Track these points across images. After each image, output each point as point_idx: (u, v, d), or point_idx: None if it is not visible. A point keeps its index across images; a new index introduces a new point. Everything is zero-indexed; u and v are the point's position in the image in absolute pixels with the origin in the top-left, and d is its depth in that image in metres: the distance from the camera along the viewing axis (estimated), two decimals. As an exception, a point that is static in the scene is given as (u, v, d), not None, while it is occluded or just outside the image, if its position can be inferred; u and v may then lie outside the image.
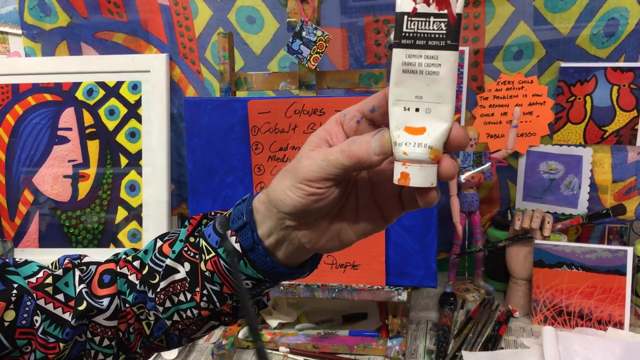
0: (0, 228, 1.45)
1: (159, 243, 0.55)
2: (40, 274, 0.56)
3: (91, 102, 1.43)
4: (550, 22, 1.18)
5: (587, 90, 1.21)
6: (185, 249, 0.52)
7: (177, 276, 0.51)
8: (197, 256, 0.51)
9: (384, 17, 1.23)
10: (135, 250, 0.58)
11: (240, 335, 1.06)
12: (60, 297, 0.54)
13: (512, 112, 1.23)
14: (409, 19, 0.38)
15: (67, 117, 1.43)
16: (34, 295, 0.54)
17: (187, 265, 0.51)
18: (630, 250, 1.05)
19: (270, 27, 1.28)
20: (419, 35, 0.38)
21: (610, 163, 1.24)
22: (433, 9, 0.38)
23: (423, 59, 0.39)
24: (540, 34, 1.19)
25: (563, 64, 1.20)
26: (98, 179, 1.43)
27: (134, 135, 1.42)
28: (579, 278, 1.07)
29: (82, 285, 0.54)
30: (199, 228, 0.53)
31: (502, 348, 1.03)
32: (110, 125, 1.43)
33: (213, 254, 0.49)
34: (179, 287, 0.51)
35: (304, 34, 1.01)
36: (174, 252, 0.52)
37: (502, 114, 1.25)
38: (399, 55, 0.39)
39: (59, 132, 1.44)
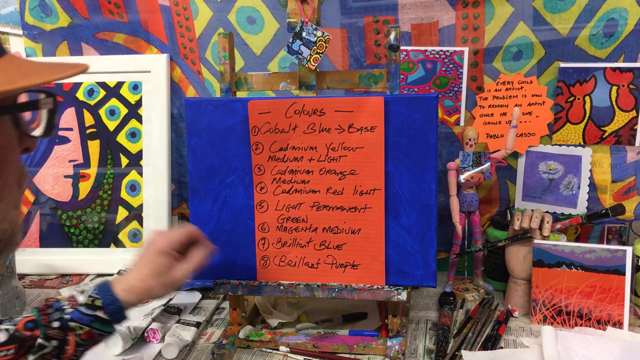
0: (1, 228, 1.45)
1: (11, 328, 0.72)
2: None
3: (92, 102, 1.43)
4: (549, 22, 1.18)
5: (586, 91, 1.22)
6: (49, 331, 0.73)
7: (46, 350, 0.72)
8: (62, 334, 0.74)
9: (384, 18, 1.23)
10: None
11: (241, 334, 1.07)
12: None
13: (512, 113, 1.24)
14: None
15: (68, 117, 1.44)
16: None
17: (55, 342, 0.73)
18: (629, 250, 1.05)
19: (271, 27, 1.29)
20: None
21: (609, 163, 1.24)
22: None
23: None
24: (540, 35, 1.20)
25: (562, 64, 1.21)
26: (99, 179, 1.43)
27: (134, 135, 1.43)
28: (578, 278, 1.08)
29: None
30: (52, 315, 0.75)
31: (502, 347, 1.03)
32: (111, 125, 1.43)
33: (87, 329, 0.75)
34: (47, 357, 0.73)
35: (304, 34, 1.01)
36: (42, 335, 0.72)
37: (502, 114, 1.25)
38: None
39: (60, 132, 1.44)
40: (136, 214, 1.43)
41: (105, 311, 0.77)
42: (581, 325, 1.08)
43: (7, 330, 0.71)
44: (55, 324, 0.74)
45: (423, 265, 0.97)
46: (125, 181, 1.43)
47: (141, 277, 0.82)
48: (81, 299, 0.77)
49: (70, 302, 0.77)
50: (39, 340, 0.72)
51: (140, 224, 1.43)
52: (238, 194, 1.02)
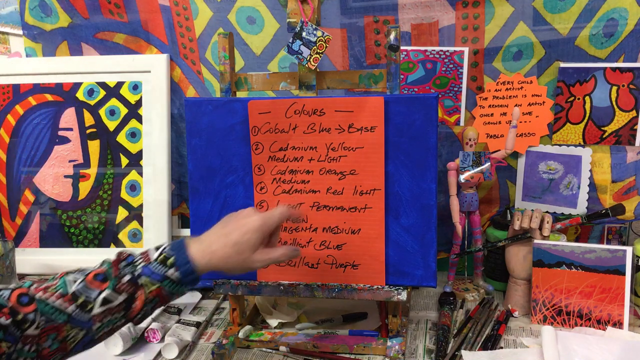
0: (1, 228, 1.46)
1: (79, 278, 0.73)
2: None
3: (92, 102, 1.43)
4: (549, 22, 1.18)
5: (586, 91, 1.22)
6: (119, 284, 0.73)
7: (113, 304, 0.73)
8: (132, 289, 0.74)
9: (384, 18, 1.23)
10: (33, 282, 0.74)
11: (241, 334, 1.07)
12: None
13: (512, 113, 1.24)
14: None
15: (68, 117, 1.44)
16: None
17: (124, 295, 0.73)
18: (629, 250, 1.05)
19: (271, 27, 1.29)
20: None
21: (609, 163, 1.24)
22: None
23: None
24: (540, 35, 1.20)
25: (562, 64, 1.21)
26: (99, 179, 1.43)
27: (134, 135, 1.43)
28: (578, 278, 1.08)
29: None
30: (123, 269, 0.75)
31: (502, 347, 1.03)
32: (111, 125, 1.43)
33: (157, 285, 0.74)
34: (114, 311, 0.73)
35: (304, 34, 1.01)
36: (110, 286, 0.73)
37: (502, 114, 1.25)
38: None
39: (60, 132, 1.44)
40: (136, 214, 1.43)
41: (177, 270, 0.75)
42: (581, 325, 1.08)
43: (74, 280, 0.72)
44: (126, 278, 0.74)
45: (423, 265, 0.98)
46: (125, 181, 1.43)
47: (225, 243, 0.79)
48: (154, 255, 0.76)
49: (143, 258, 0.76)
50: (105, 293, 0.72)
51: (140, 224, 1.43)
52: (238, 194, 1.02)
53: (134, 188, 1.43)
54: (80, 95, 1.43)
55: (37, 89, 1.44)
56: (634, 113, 1.20)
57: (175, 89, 1.43)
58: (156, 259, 0.75)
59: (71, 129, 1.44)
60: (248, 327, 1.09)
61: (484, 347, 1.03)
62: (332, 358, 1.01)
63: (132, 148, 1.43)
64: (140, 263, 0.75)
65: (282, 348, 1.03)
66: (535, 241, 1.11)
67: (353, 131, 0.96)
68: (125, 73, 1.42)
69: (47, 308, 0.70)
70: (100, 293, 0.72)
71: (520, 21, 1.19)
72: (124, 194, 1.43)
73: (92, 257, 1.41)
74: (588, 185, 1.25)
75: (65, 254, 1.43)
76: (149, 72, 1.41)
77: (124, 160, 1.43)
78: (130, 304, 0.74)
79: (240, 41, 1.31)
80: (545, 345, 0.99)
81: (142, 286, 0.74)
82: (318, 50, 1.02)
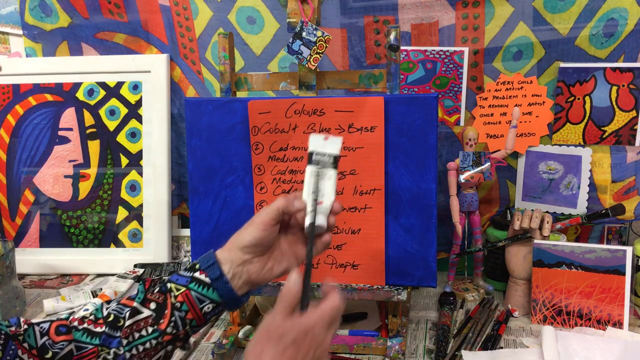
0: (1, 228, 1.46)
1: (112, 304, 0.73)
2: (12, 327, 0.70)
3: (92, 102, 1.43)
4: (549, 22, 1.18)
5: (586, 91, 1.22)
6: (149, 295, 0.72)
7: (141, 315, 0.70)
8: (161, 297, 0.71)
9: (384, 18, 1.23)
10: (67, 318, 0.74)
11: (241, 334, 1.07)
12: (25, 345, 0.68)
13: (512, 113, 1.24)
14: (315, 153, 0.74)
15: (68, 117, 1.44)
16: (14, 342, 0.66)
17: (153, 305, 0.71)
18: (629, 250, 1.05)
19: (271, 27, 1.29)
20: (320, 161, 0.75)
21: (609, 163, 1.24)
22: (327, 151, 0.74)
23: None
24: (540, 35, 1.20)
25: (562, 64, 1.21)
26: (99, 179, 1.43)
27: (134, 135, 1.43)
28: (578, 278, 1.08)
29: (45, 338, 0.69)
30: (155, 286, 0.73)
31: (502, 347, 1.03)
32: (111, 125, 1.43)
33: (183, 289, 0.71)
34: (142, 324, 0.70)
35: (304, 34, 1.01)
36: (138, 299, 0.71)
37: (502, 114, 1.25)
38: (310, 169, 0.75)
39: (60, 132, 1.44)
40: (136, 214, 1.43)
41: (203, 271, 0.71)
42: (581, 325, 1.08)
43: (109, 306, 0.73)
44: (156, 289, 0.72)
45: (423, 265, 0.97)
46: (125, 181, 1.43)
47: (245, 228, 0.73)
48: (184, 267, 0.74)
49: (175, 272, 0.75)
50: (134, 304, 0.71)
51: (140, 224, 1.42)
52: (238, 194, 1.02)
53: (134, 188, 1.43)
54: (80, 95, 1.43)
55: (37, 89, 1.44)
56: (634, 113, 1.20)
57: (175, 89, 1.43)
58: (185, 268, 0.73)
59: (71, 129, 1.44)
60: (248, 327, 1.09)
61: (484, 347, 1.03)
62: (332, 358, 1.01)
63: (132, 148, 1.43)
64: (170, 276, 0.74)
65: (282, 348, 1.03)
66: (535, 241, 1.11)
67: (353, 131, 0.96)
68: (125, 73, 1.42)
69: (79, 334, 0.70)
70: (130, 307, 0.71)
71: (520, 21, 1.19)
72: (124, 194, 1.43)
73: (92, 257, 1.42)
74: (588, 185, 1.25)
75: (65, 254, 1.43)
76: (149, 72, 1.41)
77: (124, 160, 1.43)
78: (160, 315, 0.70)
79: (240, 41, 1.31)
80: (545, 345, 0.99)
81: (169, 291, 0.71)
82: (318, 50, 1.02)
